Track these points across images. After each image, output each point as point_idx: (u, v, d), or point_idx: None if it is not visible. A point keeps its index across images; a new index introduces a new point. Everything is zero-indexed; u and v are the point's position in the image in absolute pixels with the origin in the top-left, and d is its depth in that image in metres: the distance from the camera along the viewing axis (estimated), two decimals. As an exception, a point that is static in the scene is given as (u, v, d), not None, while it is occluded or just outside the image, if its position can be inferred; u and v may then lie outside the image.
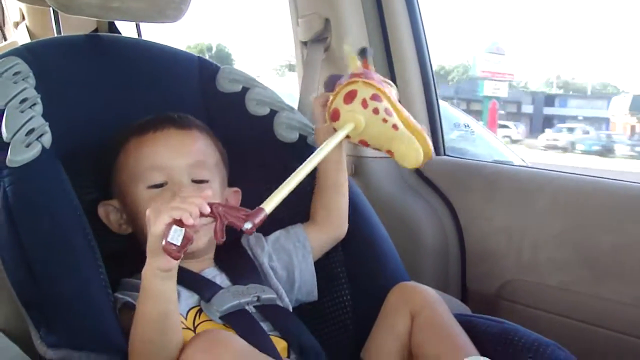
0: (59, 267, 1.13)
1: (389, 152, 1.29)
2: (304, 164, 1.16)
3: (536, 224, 1.77)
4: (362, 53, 1.35)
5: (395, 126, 1.27)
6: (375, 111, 1.26)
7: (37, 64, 1.35)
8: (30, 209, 1.17)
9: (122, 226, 1.33)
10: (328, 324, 1.42)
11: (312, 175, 1.40)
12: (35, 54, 1.38)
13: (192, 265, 1.28)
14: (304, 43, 2.09)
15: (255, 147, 1.50)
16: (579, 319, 1.67)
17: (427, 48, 2.05)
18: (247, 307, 1.24)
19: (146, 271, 1.04)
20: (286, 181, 1.12)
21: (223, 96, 1.55)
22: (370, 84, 1.27)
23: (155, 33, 1.77)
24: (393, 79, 2.06)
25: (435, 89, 2.07)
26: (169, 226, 1.00)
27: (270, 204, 1.06)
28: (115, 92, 1.47)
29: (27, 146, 1.19)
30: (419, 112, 2.05)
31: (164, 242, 0.99)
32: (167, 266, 1.02)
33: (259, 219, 1.03)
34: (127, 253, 1.33)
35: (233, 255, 1.34)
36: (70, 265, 1.14)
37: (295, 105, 1.85)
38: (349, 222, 1.44)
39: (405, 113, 1.29)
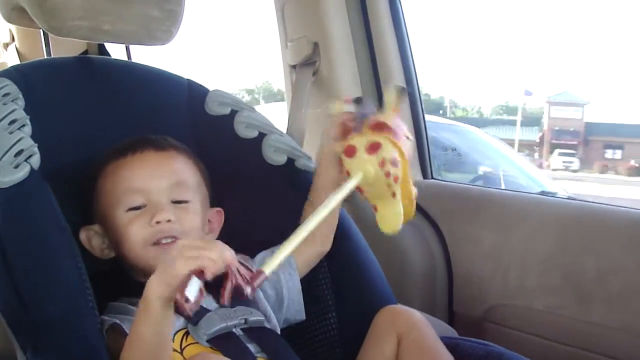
0: (46, 290, 1.13)
1: (374, 207, 1.30)
2: (307, 221, 1.14)
3: (522, 248, 1.78)
4: (399, 92, 1.35)
5: (394, 194, 1.27)
6: (387, 174, 1.25)
7: (26, 86, 1.35)
8: (18, 230, 1.16)
9: (105, 251, 1.32)
10: (315, 345, 1.42)
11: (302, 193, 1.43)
12: (24, 76, 1.38)
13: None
14: (293, 67, 2.10)
15: (244, 169, 1.50)
16: (565, 342, 1.68)
17: (415, 72, 2.06)
18: (234, 330, 1.24)
19: (149, 295, 1.03)
20: (287, 241, 1.09)
21: (212, 119, 1.56)
22: (396, 145, 1.26)
23: (145, 55, 1.77)
24: (380, 103, 2.07)
25: (422, 113, 2.08)
26: (189, 275, 0.98)
27: (270, 267, 1.04)
28: (105, 114, 1.48)
29: (16, 167, 1.19)
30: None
31: (179, 295, 0.96)
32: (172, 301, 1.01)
33: (258, 282, 1.02)
34: (112, 275, 1.33)
35: (220, 277, 1.34)
36: (58, 288, 1.14)
37: (284, 129, 1.86)
38: (336, 245, 1.44)
39: (408, 175, 1.28)
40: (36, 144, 1.24)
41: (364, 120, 1.27)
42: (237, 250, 1.31)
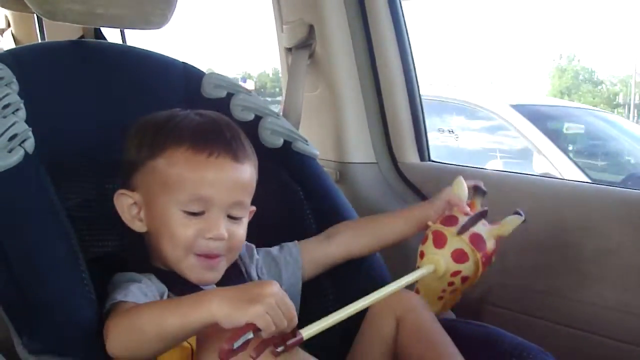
0: (40, 274, 1.12)
1: (417, 290, 1.34)
2: (375, 293, 1.16)
3: (520, 229, 1.78)
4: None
5: (441, 299, 1.32)
6: (450, 284, 1.29)
7: (21, 70, 1.34)
8: (12, 214, 1.16)
9: (136, 223, 1.26)
10: (313, 320, 1.42)
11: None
12: (19, 60, 1.38)
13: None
14: (289, 49, 2.09)
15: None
16: (563, 323, 1.67)
17: (411, 53, 2.06)
18: None
19: (205, 304, 1.01)
20: (339, 310, 1.10)
21: (208, 102, 1.55)
22: (478, 268, 1.28)
23: (141, 39, 1.77)
24: (377, 86, 2.07)
25: (419, 94, 2.07)
26: (248, 327, 0.98)
27: (309, 331, 1.04)
28: (100, 98, 1.47)
29: (10, 151, 1.18)
30: (403, 119, 2.06)
31: (227, 343, 0.96)
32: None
33: (292, 342, 1.01)
34: (115, 256, 1.33)
35: (228, 269, 1.34)
36: (52, 271, 1.13)
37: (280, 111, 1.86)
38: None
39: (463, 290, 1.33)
40: (30, 128, 1.23)
41: (470, 225, 1.27)
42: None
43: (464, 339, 1.28)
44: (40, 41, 1.65)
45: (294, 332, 1.02)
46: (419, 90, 2.08)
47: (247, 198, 1.28)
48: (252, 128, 1.53)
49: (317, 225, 1.48)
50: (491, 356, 1.24)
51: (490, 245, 1.29)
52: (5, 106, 1.24)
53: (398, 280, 1.21)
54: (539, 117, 4.43)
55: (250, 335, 0.97)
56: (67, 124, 1.40)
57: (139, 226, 1.26)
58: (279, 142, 1.53)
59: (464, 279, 1.28)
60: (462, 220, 1.29)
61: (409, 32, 2.06)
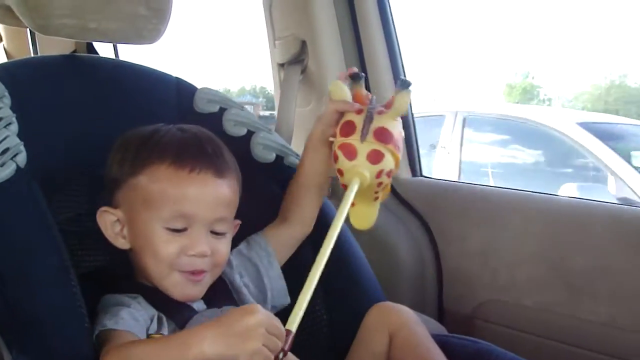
0: (30, 288, 1.12)
1: (352, 203, 1.26)
2: (321, 252, 1.14)
3: (511, 245, 1.79)
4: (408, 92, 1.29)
5: (377, 198, 1.29)
6: (379, 184, 1.26)
7: (13, 84, 1.33)
8: (2, 229, 1.15)
9: (120, 240, 1.26)
10: (305, 344, 1.42)
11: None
12: (11, 74, 1.37)
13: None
14: (281, 65, 2.10)
15: (232, 167, 1.51)
16: (555, 338, 1.68)
17: (404, 70, 2.07)
18: None
19: (196, 343, 1.01)
20: (308, 281, 1.10)
21: (200, 117, 1.55)
22: (395, 157, 1.25)
23: (134, 53, 1.77)
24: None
25: (411, 110, 2.08)
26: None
27: (295, 323, 1.04)
28: (93, 112, 1.47)
29: (1, 165, 1.17)
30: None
31: None
32: None
33: (288, 344, 1.02)
34: (104, 272, 1.32)
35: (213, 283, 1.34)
36: (43, 286, 1.13)
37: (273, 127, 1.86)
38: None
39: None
40: (22, 143, 1.23)
41: (368, 127, 1.24)
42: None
43: (455, 355, 1.29)
44: (32, 55, 1.64)
45: (286, 334, 1.03)
46: (411, 107, 2.08)
47: (230, 214, 1.28)
48: (244, 143, 1.53)
49: (308, 239, 1.47)
50: (483, 371, 1.24)
51: (395, 130, 1.26)
52: None
53: (339, 212, 1.20)
54: (606, 136, 4.15)
55: None
56: (59, 138, 1.40)
57: (122, 243, 1.26)
58: (271, 156, 1.53)
59: (389, 173, 1.25)
60: (359, 121, 1.25)
61: (401, 48, 2.07)
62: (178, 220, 1.20)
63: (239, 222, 1.33)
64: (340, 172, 1.26)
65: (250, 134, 1.54)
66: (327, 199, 1.50)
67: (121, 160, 1.26)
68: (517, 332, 1.75)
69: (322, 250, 1.14)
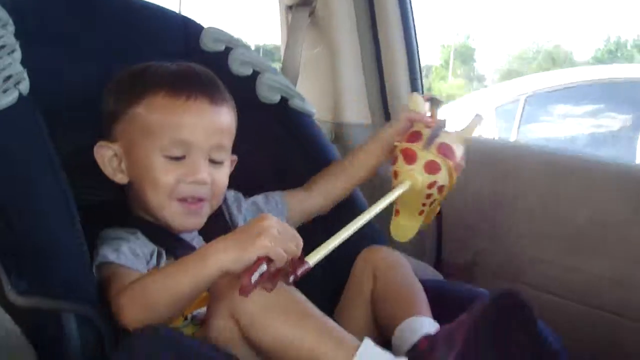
0: (31, 215, 1.12)
1: (397, 210, 1.35)
2: (358, 218, 1.15)
3: (513, 197, 1.78)
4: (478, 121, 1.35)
5: (421, 213, 1.32)
6: (428, 196, 1.29)
7: (17, 12, 1.33)
8: (4, 155, 1.15)
9: (118, 175, 1.27)
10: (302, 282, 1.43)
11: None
12: (16, 2, 1.36)
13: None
14: (289, 7, 2.07)
15: (237, 107, 1.50)
16: (551, 291, 1.68)
17: (412, 14, 2.05)
18: None
19: (210, 256, 1.02)
20: (336, 235, 1.09)
21: (206, 55, 1.55)
22: (451, 175, 1.28)
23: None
24: (376, 47, 2.06)
25: (418, 57, 2.07)
26: (261, 260, 0.98)
27: (315, 257, 1.04)
28: (98, 46, 1.46)
29: (4, 92, 1.17)
30: (400, 81, 2.05)
31: (247, 277, 0.96)
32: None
33: (301, 271, 1.01)
34: (104, 206, 1.33)
35: (210, 217, 1.34)
36: (43, 212, 1.13)
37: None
38: None
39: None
40: (25, 70, 1.22)
41: (434, 136, 1.28)
42: (229, 187, 1.32)
43: (450, 301, 1.29)
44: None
45: (301, 260, 1.02)
46: (418, 54, 2.06)
47: (227, 141, 1.29)
48: (249, 83, 1.52)
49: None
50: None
51: (458, 151, 1.31)
52: (1, 47, 1.23)
53: (380, 201, 1.22)
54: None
55: (264, 267, 0.98)
56: (62, 69, 1.39)
57: (120, 178, 1.27)
58: (276, 98, 1.53)
59: (440, 189, 1.29)
60: (426, 133, 1.30)
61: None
62: (176, 148, 1.21)
63: (235, 157, 1.34)
64: (396, 174, 1.30)
65: (256, 74, 1.54)
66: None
67: (117, 94, 1.27)
68: (515, 285, 1.76)
69: (356, 220, 1.15)
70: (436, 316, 1.22)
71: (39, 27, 1.38)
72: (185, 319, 1.19)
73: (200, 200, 1.24)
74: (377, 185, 1.43)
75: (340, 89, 2.08)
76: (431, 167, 1.27)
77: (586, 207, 1.65)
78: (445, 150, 1.28)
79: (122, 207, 1.31)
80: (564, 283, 1.66)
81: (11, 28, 1.28)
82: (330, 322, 1.05)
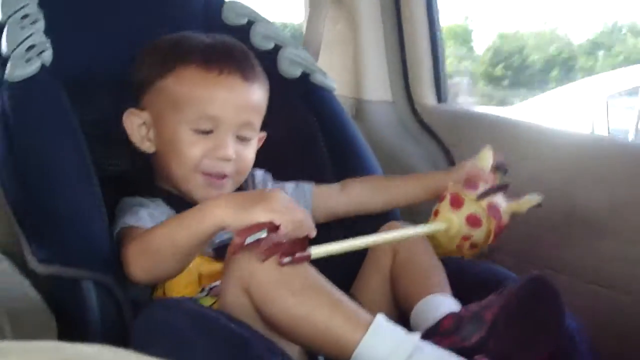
0: (52, 183, 1.13)
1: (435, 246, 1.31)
2: (380, 234, 1.16)
3: (533, 179, 1.77)
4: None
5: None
6: (459, 247, 1.27)
7: None
8: (26, 124, 1.16)
9: (146, 143, 1.27)
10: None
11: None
12: None
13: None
14: (313, -19, 2.06)
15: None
16: (571, 273, 1.67)
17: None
18: None
19: (209, 212, 1.03)
20: (351, 239, 1.10)
21: (228, 29, 1.54)
22: (489, 236, 1.26)
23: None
24: (399, 24, 2.04)
25: (440, 36, 2.05)
26: (264, 225, 0.98)
27: (318, 250, 1.04)
28: (119, 18, 1.47)
29: (27, 61, 1.18)
30: (423, 59, 2.04)
31: (240, 237, 0.96)
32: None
33: (299, 256, 1.01)
34: (125, 176, 1.33)
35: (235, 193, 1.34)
36: (64, 182, 1.14)
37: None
38: (349, 164, 1.47)
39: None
40: (49, 40, 1.23)
41: (490, 193, 1.26)
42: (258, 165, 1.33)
43: (469, 278, 1.29)
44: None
45: (303, 245, 1.02)
46: (440, 32, 2.05)
47: (257, 119, 1.28)
48: (271, 57, 1.52)
49: (330, 157, 1.48)
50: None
51: (505, 218, 1.28)
52: (24, 17, 1.24)
53: (410, 228, 1.22)
54: None
55: (264, 233, 0.97)
56: (86, 41, 1.40)
57: (147, 146, 1.27)
58: (298, 72, 1.52)
59: (473, 246, 1.27)
60: (483, 187, 1.28)
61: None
62: (204, 122, 1.21)
63: (264, 134, 1.34)
64: (436, 213, 1.28)
65: (277, 48, 1.53)
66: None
67: (149, 64, 1.26)
68: (533, 267, 1.75)
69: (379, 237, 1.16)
70: (455, 294, 1.21)
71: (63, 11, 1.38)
72: (203, 290, 1.19)
73: (225, 176, 1.24)
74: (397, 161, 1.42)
75: (362, 66, 2.06)
76: (473, 221, 1.25)
77: (606, 190, 1.63)
78: (493, 210, 1.25)
79: (143, 177, 1.31)
80: (582, 265, 1.65)
81: None
82: (344, 297, 1.05)
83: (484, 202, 1.25)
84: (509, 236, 1.47)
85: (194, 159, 1.21)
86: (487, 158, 1.35)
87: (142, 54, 1.29)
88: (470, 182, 1.29)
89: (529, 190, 1.74)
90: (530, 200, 1.32)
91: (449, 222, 1.24)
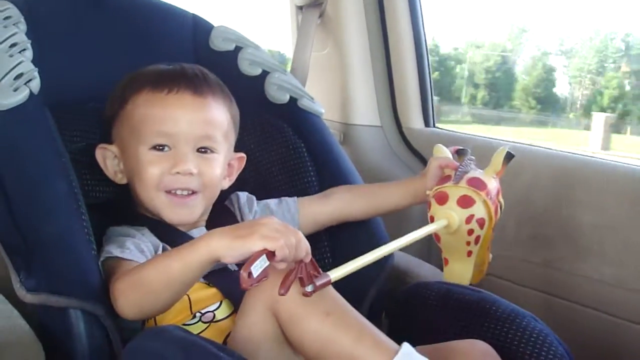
0: (40, 212, 1.13)
1: (445, 259, 1.32)
2: (389, 244, 1.15)
3: (519, 201, 1.78)
4: (508, 157, 1.33)
5: (469, 253, 1.29)
6: (470, 232, 1.26)
7: (29, 11, 1.34)
8: (14, 152, 1.17)
9: (118, 175, 1.30)
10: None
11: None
12: (28, 1, 1.37)
13: (183, 225, 1.29)
14: (299, 7, 2.07)
15: (246, 107, 1.50)
16: (558, 295, 1.68)
17: (422, 14, 2.04)
18: (229, 266, 1.24)
19: (203, 244, 1.03)
20: (363, 255, 1.09)
21: (215, 54, 1.56)
22: (487, 207, 1.26)
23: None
24: (386, 49, 2.06)
25: (427, 60, 2.06)
26: (260, 252, 0.98)
27: (337, 273, 1.03)
28: (108, 44, 1.47)
29: (15, 90, 1.18)
30: (410, 84, 2.05)
31: (244, 269, 0.95)
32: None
33: (320, 282, 1.00)
34: (112, 204, 1.33)
35: (221, 215, 1.34)
36: (52, 210, 1.14)
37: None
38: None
39: (489, 240, 1.30)
40: (36, 69, 1.23)
41: (463, 172, 1.27)
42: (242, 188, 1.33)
43: (457, 303, 1.29)
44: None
45: (316, 269, 1.02)
46: (427, 56, 2.06)
47: (216, 132, 1.29)
48: (258, 83, 1.53)
49: (318, 182, 1.48)
50: (484, 321, 1.24)
51: (491, 184, 1.28)
52: (12, 45, 1.24)
53: (414, 232, 1.20)
54: None
55: (266, 261, 0.97)
56: (73, 68, 1.41)
57: (119, 178, 1.31)
58: (285, 98, 1.53)
59: (480, 222, 1.26)
60: (454, 174, 1.29)
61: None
62: (160, 138, 1.24)
63: (242, 155, 1.37)
64: (432, 218, 1.28)
65: (265, 73, 1.54)
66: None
67: (111, 99, 1.31)
68: (521, 288, 1.75)
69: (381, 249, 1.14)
70: (441, 319, 1.23)
71: (49, 26, 1.39)
72: (194, 316, 1.19)
73: (193, 192, 1.26)
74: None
75: (350, 90, 2.08)
76: (465, 201, 1.25)
77: (591, 211, 1.64)
78: (475, 183, 1.26)
79: (129, 205, 1.32)
80: (569, 287, 1.66)
81: (23, 27, 1.30)
82: (369, 324, 1.05)
83: (464, 181, 1.27)
84: (497, 258, 1.49)
85: (154, 177, 1.23)
86: (442, 150, 1.37)
87: (111, 93, 1.33)
88: (443, 179, 1.31)
89: (517, 212, 1.76)
90: (499, 153, 1.33)
91: (446, 216, 1.25)
